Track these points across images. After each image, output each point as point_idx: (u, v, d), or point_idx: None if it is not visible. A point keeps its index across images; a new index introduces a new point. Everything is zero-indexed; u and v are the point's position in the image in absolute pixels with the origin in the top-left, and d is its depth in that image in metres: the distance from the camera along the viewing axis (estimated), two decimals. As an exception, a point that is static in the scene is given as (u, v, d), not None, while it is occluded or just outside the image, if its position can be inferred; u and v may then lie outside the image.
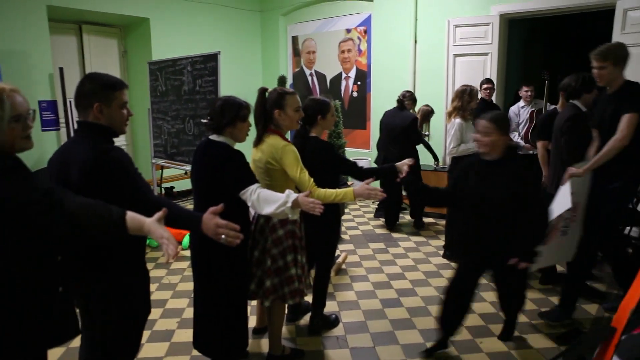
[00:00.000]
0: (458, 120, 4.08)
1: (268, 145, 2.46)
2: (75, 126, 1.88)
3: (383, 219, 5.57)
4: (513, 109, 5.35)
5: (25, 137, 1.54)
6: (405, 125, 4.83)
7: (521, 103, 5.32)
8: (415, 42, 6.20)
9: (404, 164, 2.81)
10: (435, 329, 3.07)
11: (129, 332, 1.94)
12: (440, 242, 4.82)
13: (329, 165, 2.76)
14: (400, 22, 6.28)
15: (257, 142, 2.55)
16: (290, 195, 2.12)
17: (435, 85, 5.96)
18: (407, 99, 5.03)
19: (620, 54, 2.88)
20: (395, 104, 5.06)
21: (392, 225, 5.36)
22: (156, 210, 1.60)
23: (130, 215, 1.55)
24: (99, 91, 1.79)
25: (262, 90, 2.55)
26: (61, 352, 2.84)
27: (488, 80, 5.07)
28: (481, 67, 5.52)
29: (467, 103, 4.08)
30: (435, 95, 5.86)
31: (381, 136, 5.21)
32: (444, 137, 5.76)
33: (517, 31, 7.24)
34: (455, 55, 5.68)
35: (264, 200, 2.12)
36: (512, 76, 6.75)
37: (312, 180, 2.41)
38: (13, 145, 1.50)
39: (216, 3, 7.19)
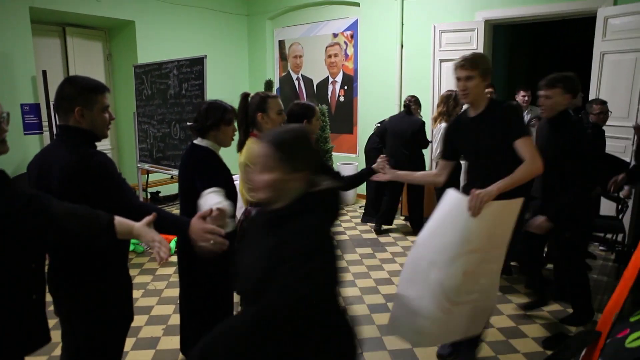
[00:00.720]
0: (444, 124, 4.10)
1: (247, 149, 2.48)
2: (56, 130, 1.85)
3: (370, 224, 5.60)
4: None
5: (0, 141, 1.51)
6: (416, 130, 4.93)
7: None
8: (402, 46, 6.23)
9: (382, 164, 2.77)
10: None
11: (111, 339, 1.91)
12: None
13: None
14: (386, 27, 6.31)
15: (240, 147, 2.54)
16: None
17: (421, 90, 5.99)
18: (414, 104, 5.14)
19: (487, 65, 2.47)
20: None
21: (379, 227, 5.39)
22: (141, 216, 1.58)
23: (119, 219, 1.53)
24: (79, 95, 1.76)
25: (245, 95, 2.55)
26: (43, 361, 2.79)
27: (489, 85, 5.03)
28: (467, 72, 5.57)
29: (452, 108, 4.12)
30: (422, 100, 5.86)
31: (388, 141, 5.26)
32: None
33: (502, 37, 7.33)
34: (441, 60, 5.72)
35: (201, 205, 1.99)
36: (497, 81, 6.82)
37: None
38: None
39: (203, 6, 7.15)
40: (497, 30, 6.09)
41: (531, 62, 9.41)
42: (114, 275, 1.87)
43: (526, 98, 5.24)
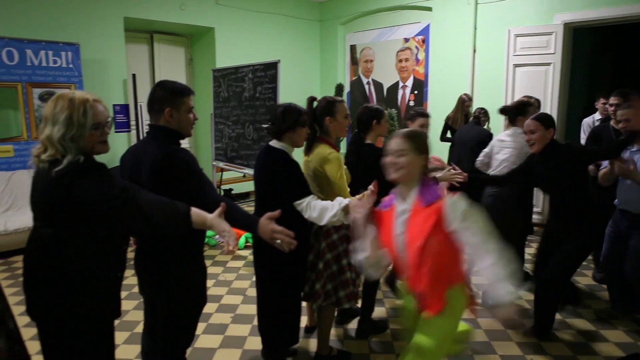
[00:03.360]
0: (515, 131, 3.99)
1: (316, 154, 2.56)
2: (147, 129, 2.06)
3: None
4: (587, 121, 5.08)
5: (102, 142, 1.73)
6: (480, 140, 4.89)
7: (597, 115, 5.07)
8: (474, 51, 6.12)
9: (448, 176, 2.90)
10: (484, 342, 3.04)
11: (188, 320, 2.08)
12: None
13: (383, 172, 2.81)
14: (459, 32, 6.23)
15: (307, 151, 2.65)
16: (342, 201, 2.21)
17: (493, 95, 5.86)
18: (483, 115, 5.12)
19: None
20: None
21: None
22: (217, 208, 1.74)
23: (195, 211, 1.69)
24: (169, 97, 1.96)
25: (311, 100, 2.65)
26: (126, 337, 3.06)
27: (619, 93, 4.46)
28: (542, 78, 5.38)
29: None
30: (494, 106, 5.72)
31: (455, 150, 5.28)
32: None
33: (583, 40, 6.97)
34: (516, 65, 5.56)
35: (319, 212, 2.23)
36: (577, 89, 6.50)
37: (348, 189, 2.49)
38: (92, 149, 1.69)
39: (278, 13, 7.43)
40: (578, 33, 5.81)
41: (617, 67, 8.83)
42: (191, 261, 2.05)
43: (607, 106, 4.93)
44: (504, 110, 3.75)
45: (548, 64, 5.32)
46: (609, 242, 3.25)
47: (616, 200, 3.14)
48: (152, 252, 1.98)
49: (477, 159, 3.83)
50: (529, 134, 2.89)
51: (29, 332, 2.55)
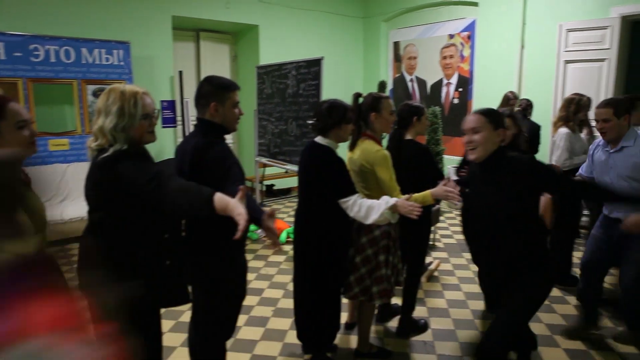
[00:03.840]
0: (564, 129, 3.83)
1: (362, 150, 2.55)
2: (192, 123, 2.13)
3: None
4: None
5: (150, 132, 1.81)
6: (532, 135, 4.75)
7: None
8: (522, 47, 5.94)
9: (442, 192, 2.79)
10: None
11: (226, 312, 2.13)
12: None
13: (425, 168, 2.79)
14: (506, 27, 6.05)
15: (352, 146, 2.65)
16: (388, 201, 2.21)
17: (542, 93, 5.66)
18: (530, 107, 4.95)
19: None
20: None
21: None
22: None
23: (219, 195, 1.64)
24: (215, 92, 2.01)
25: (357, 96, 2.64)
26: (171, 325, 3.16)
27: None
28: (596, 75, 5.14)
29: (572, 114, 3.82)
30: (543, 104, 5.55)
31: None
32: (549, 149, 5.44)
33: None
34: (567, 62, 5.34)
35: (366, 211, 2.24)
36: (634, 85, 6.18)
37: (399, 188, 2.46)
38: (141, 139, 1.78)
39: (321, 10, 7.45)
40: (637, 27, 5.52)
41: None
42: (232, 255, 2.08)
43: None
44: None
45: (602, 60, 5.09)
46: (594, 246, 2.93)
47: (605, 210, 2.87)
48: (196, 245, 2.03)
49: (562, 159, 3.60)
50: (470, 134, 2.08)
51: (82, 317, 2.68)
